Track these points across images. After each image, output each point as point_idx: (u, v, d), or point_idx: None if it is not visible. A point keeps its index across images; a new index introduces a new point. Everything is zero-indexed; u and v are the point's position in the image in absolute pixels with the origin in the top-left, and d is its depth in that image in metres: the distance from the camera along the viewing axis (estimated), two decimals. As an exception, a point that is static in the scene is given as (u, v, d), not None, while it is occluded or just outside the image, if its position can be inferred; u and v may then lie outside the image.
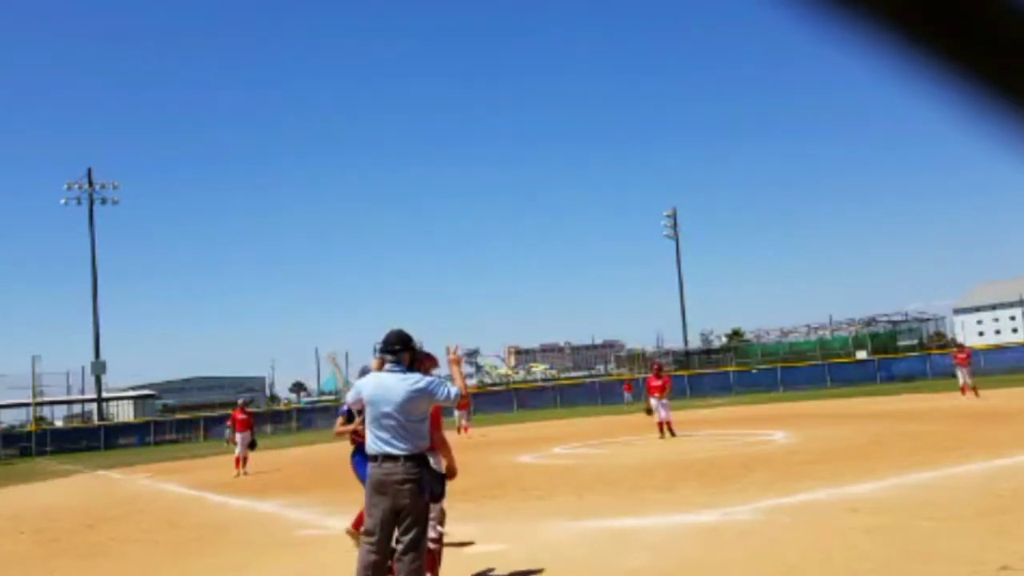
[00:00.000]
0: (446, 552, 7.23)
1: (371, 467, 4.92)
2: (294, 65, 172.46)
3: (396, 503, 4.82)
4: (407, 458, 4.84)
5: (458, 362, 5.49)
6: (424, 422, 5.06)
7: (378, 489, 4.85)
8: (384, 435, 4.89)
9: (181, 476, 20.26)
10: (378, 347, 5.22)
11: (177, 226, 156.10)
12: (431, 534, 5.94)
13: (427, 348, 5.56)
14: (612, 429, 24.53)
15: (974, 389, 24.32)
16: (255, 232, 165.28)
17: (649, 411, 19.38)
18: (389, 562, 4.98)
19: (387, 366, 5.11)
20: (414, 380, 5.03)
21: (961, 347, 27.47)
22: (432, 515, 5.73)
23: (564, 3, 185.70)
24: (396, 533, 4.95)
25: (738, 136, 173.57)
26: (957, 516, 7.13)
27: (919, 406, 23.06)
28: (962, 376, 25.12)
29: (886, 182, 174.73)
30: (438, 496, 5.05)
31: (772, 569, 5.89)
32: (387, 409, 4.91)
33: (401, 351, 5.10)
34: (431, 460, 5.16)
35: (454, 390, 5.12)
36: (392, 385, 4.98)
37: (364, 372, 6.43)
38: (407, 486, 4.81)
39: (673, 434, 18.80)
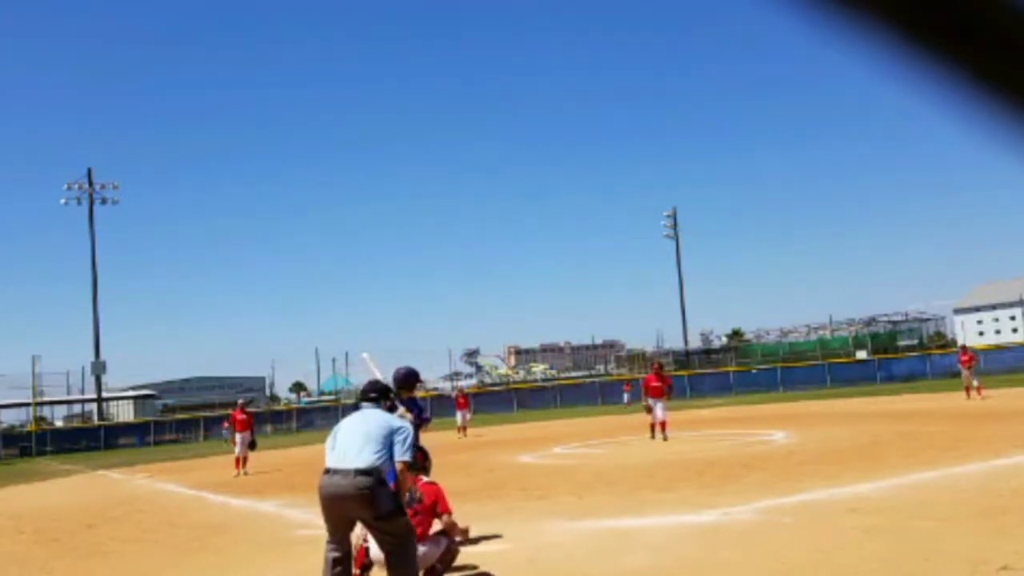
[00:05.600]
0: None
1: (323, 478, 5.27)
2: (294, 64, 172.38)
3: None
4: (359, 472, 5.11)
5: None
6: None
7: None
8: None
9: (181, 476, 20.26)
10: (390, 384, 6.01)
11: (177, 226, 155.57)
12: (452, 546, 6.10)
13: (427, 348, 5.81)
14: (612, 429, 24.53)
15: (977, 389, 24.32)
16: (255, 232, 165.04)
17: (649, 409, 18.92)
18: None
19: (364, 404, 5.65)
20: (391, 417, 5.51)
21: (964, 348, 27.52)
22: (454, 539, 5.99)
23: (563, 2, 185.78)
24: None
25: (738, 136, 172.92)
26: (957, 516, 7.13)
27: (919, 406, 23.07)
28: (966, 377, 25.15)
29: (886, 182, 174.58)
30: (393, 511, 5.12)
31: (772, 569, 5.89)
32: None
33: (377, 399, 5.64)
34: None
35: (407, 455, 5.32)
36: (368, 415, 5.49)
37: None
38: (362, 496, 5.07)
39: (665, 438, 17.95)
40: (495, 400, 53.65)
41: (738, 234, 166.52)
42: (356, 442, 5.16)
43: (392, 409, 5.90)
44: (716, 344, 69.59)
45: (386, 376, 7.24)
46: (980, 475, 9.50)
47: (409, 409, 6.93)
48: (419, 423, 7.08)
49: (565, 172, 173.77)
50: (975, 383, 24.53)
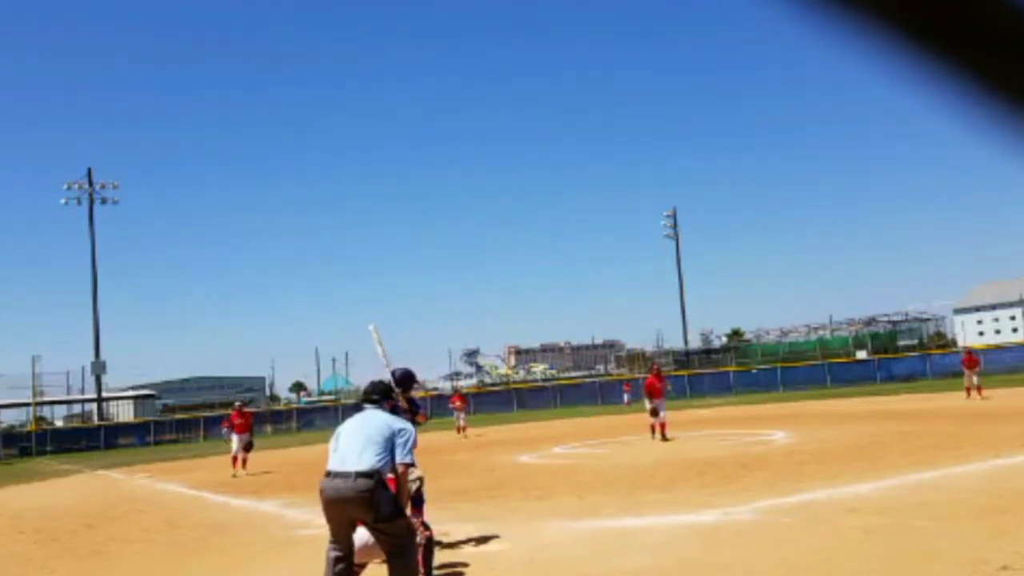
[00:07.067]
0: (446, 552, 7.25)
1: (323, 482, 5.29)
2: (294, 64, 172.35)
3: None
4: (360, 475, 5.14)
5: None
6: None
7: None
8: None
9: (181, 476, 20.26)
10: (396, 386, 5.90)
11: (177, 226, 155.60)
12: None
13: (427, 348, 5.79)
14: (612, 429, 24.53)
15: (977, 389, 24.30)
16: (255, 232, 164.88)
17: (656, 412, 18.80)
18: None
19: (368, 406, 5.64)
20: (393, 419, 5.51)
21: (969, 351, 27.56)
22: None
23: (563, 2, 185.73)
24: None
25: (738, 136, 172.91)
26: (957, 516, 7.13)
27: (919, 406, 23.07)
28: (967, 378, 25.17)
29: (886, 182, 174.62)
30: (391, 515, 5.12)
31: (772, 569, 5.89)
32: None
33: (379, 400, 5.64)
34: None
35: (408, 457, 5.36)
36: (371, 416, 5.51)
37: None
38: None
39: (665, 438, 18.02)
40: (495, 400, 53.62)
41: (738, 234, 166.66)
42: (357, 445, 5.19)
43: (395, 410, 5.90)
44: (716, 344, 69.59)
45: (388, 353, 7.24)
46: (980, 475, 9.50)
47: (409, 408, 6.94)
48: (415, 414, 7.08)
49: (565, 172, 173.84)
50: (976, 383, 24.55)
